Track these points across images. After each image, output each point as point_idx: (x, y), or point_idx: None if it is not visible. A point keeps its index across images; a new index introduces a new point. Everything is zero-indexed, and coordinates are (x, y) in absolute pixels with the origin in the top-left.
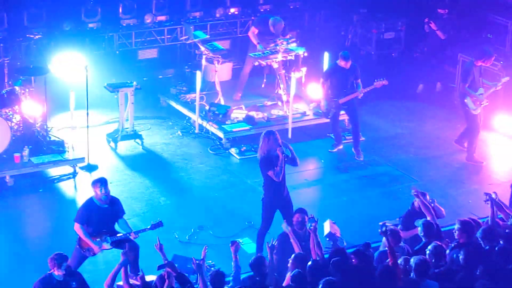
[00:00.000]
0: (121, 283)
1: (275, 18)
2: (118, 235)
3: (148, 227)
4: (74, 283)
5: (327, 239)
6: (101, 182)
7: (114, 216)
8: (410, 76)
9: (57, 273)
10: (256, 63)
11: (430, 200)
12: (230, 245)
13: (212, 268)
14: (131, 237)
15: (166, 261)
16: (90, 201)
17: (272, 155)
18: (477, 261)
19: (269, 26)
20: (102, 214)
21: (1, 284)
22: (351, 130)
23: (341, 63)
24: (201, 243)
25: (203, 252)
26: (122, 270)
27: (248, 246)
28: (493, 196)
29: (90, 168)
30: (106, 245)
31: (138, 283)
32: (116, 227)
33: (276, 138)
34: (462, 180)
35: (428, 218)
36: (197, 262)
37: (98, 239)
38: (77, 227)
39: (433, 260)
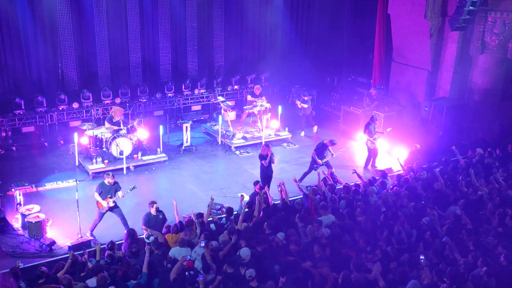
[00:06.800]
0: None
1: (257, 86)
2: (114, 198)
3: (128, 190)
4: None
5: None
6: (108, 175)
7: (115, 190)
8: (318, 118)
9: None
10: (247, 111)
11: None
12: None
13: (223, 207)
14: (120, 197)
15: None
16: (102, 182)
17: (265, 154)
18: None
19: (255, 94)
20: (108, 189)
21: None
22: (329, 173)
23: (328, 144)
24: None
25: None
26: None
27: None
28: (358, 171)
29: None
30: (111, 203)
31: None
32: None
33: (269, 147)
34: (341, 167)
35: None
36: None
37: (105, 201)
38: (96, 194)
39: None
